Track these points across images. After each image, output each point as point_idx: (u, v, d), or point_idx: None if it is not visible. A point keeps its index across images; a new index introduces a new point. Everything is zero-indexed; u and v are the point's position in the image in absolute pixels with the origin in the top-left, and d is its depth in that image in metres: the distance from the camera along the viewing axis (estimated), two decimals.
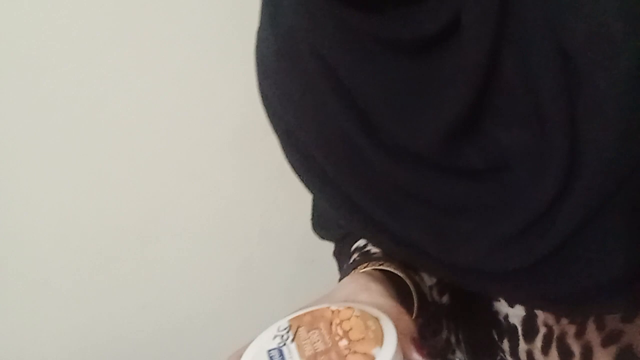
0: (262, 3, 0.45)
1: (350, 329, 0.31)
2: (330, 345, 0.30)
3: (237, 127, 0.84)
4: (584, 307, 0.39)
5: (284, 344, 0.31)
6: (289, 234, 0.92)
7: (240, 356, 0.31)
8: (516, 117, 0.35)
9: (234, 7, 0.79)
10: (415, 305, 0.42)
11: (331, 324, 0.32)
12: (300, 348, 0.30)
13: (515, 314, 0.45)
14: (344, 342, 0.30)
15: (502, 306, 0.46)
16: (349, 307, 0.33)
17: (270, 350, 0.31)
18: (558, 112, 0.33)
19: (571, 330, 0.41)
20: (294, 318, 0.33)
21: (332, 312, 0.33)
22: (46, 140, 0.75)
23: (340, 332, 0.31)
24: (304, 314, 0.33)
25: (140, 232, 0.84)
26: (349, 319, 0.32)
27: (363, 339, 0.30)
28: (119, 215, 0.82)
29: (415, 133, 0.37)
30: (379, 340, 0.30)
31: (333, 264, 0.53)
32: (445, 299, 0.47)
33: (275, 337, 0.32)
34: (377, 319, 0.32)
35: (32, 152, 0.75)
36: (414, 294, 0.42)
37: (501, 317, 0.46)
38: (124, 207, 0.82)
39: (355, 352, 0.29)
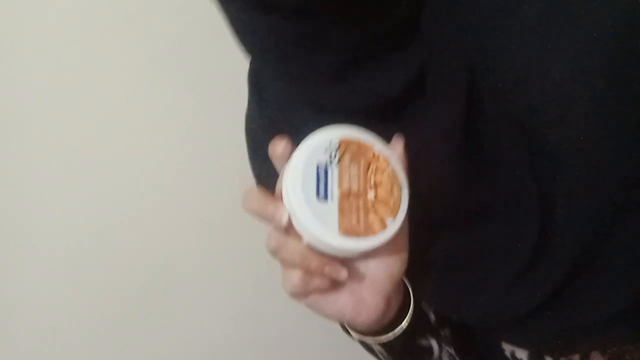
0: (249, 90, 0.48)
1: (380, 184, 0.35)
2: (361, 190, 0.34)
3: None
4: (589, 340, 0.42)
5: (331, 163, 0.34)
6: None
7: (288, 147, 0.35)
8: (499, 171, 0.38)
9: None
10: (411, 309, 0.42)
11: (369, 166, 0.35)
12: (341, 176, 0.34)
13: (522, 350, 0.46)
14: (371, 195, 0.35)
15: (506, 343, 0.47)
16: (386, 158, 0.36)
17: (319, 163, 0.34)
18: (522, 172, 0.37)
19: (575, 357, 0.43)
20: (345, 140, 0.35)
21: (374, 154, 0.36)
22: (51, 200, 0.74)
23: (372, 181, 0.35)
24: (354, 139, 0.36)
25: (146, 295, 0.84)
26: (382, 172, 0.36)
27: (385, 202, 0.35)
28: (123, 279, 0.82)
29: None
30: (395, 211, 0.35)
31: None
32: (446, 331, 0.48)
33: (325, 150, 0.34)
34: (401, 188, 0.36)
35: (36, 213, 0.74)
36: (411, 298, 0.42)
37: (508, 354, 0.47)
38: (128, 273, 0.82)
39: (375, 211, 0.34)
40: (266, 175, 0.44)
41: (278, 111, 0.44)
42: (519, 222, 0.39)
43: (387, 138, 0.37)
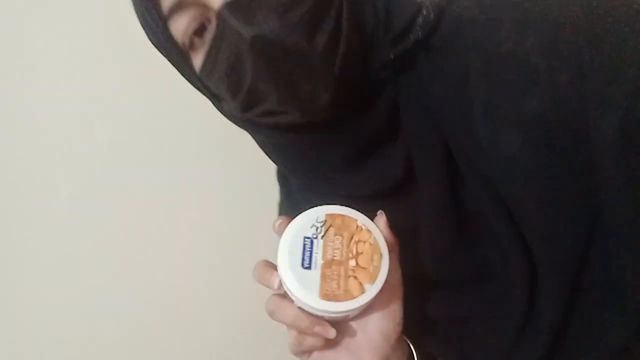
0: (278, 182, 0.58)
1: (361, 254, 0.39)
2: (343, 259, 0.39)
3: None
4: None
5: (316, 237, 0.40)
6: None
7: (287, 223, 0.41)
8: (486, 236, 0.42)
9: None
10: None
11: (352, 238, 0.40)
12: (325, 247, 0.39)
13: None
14: (352, 263, 0.39)
15: None
16: (368, 230, 0.40)
17: (305, 237, 0.39)
18: (506, 233, 0.40)
19: None
20: (330, 215, 0.41)
21: (357, 226, 0.40)
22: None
23: (354, 251, 0.39)
24: (339, 215, 0.41)
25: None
26: (364, 242, 0.40)
27: (366, 269, 0.39)
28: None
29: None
30: (374, 277, 0.38)
31: None
32: None
33: (312, 225, 0.40)
34: (381, 256, 0.39)
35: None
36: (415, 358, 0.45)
37: None
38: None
39: (355, 277, 0.38)
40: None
41: (301, 197, 0.52)
42: (510, 281, 0.41)
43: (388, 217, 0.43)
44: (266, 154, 0.51)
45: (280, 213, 0.59)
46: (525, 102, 0.38)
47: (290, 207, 0.55)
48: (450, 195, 0.42)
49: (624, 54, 0.34)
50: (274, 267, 0.41)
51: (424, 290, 0.44)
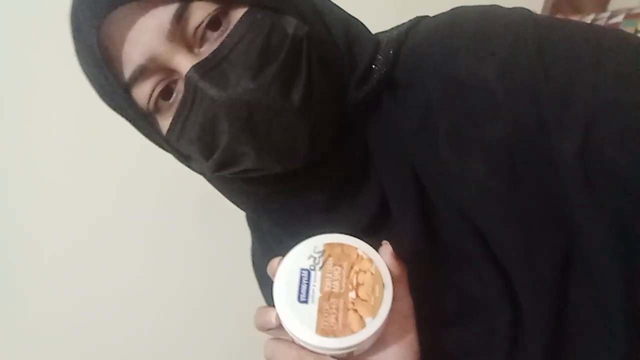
0: (250, 230, 0.58)
1: (362, 285, 0.37)
2: (342, 291, 0.36)
3: None
4: None
5: (314, 269, 0.37)
6: None
7: (280, 259, 0.38)
8: (466, 266, 0.42)
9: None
10: None
11: (352, 268, 0.37)
12: (322, 279, 0.37)
13: None
14: (352, 295, 0.36)
15: None
16: (370, 259, 0.38)
17: (302, 269, 0.37)
18: (484, 262, 0.41)
19: None
20: (329, 244, 0.38)
21: (357, 255, 0.38)
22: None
23: (354, 282, 0.37)
24: (338, 244, 0.38)
25: None
26: (365, 272, 0.37)
27: (366, 301, 0.36)
28: None
29: None
30: (375, 311, 0.36)
31: None
32: None
33: (310, 257, 0.38)
34: (383, 287, 0.37)
35: None
36: None
37: None
38: None
39: (355, 310, 0.36)
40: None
41: (272, 239, 0.52)
42: (494, 314, 0.42)
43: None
44: (233, 203, 0.51)
45: (255, 259, 0.58)
46: (487, 128, 0.38)
47: (265, 250, 0.55)
48: (424, 226, 0.42)
49: (576, 78, 0.35)
50: (272, 308, 0.39)
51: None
